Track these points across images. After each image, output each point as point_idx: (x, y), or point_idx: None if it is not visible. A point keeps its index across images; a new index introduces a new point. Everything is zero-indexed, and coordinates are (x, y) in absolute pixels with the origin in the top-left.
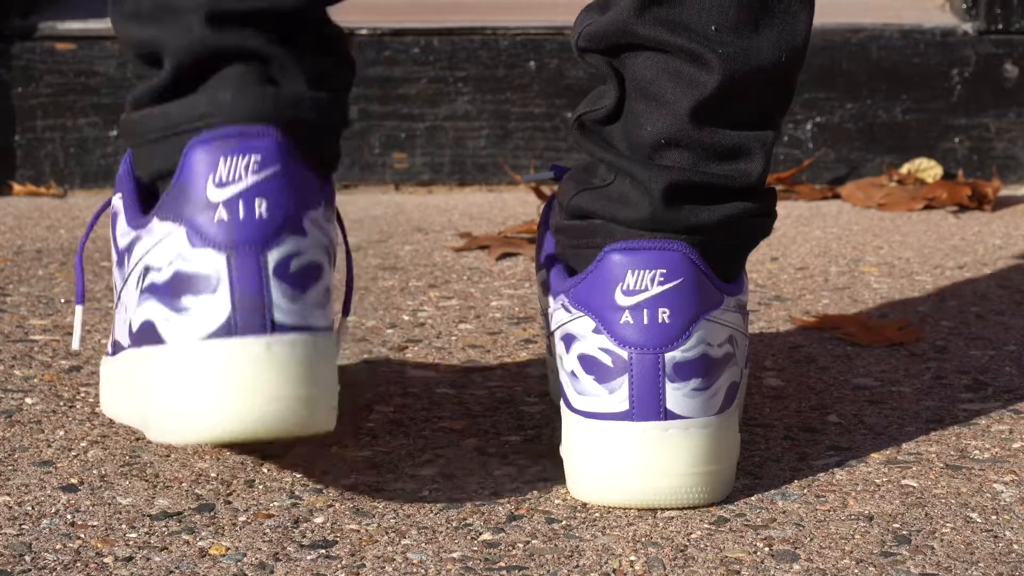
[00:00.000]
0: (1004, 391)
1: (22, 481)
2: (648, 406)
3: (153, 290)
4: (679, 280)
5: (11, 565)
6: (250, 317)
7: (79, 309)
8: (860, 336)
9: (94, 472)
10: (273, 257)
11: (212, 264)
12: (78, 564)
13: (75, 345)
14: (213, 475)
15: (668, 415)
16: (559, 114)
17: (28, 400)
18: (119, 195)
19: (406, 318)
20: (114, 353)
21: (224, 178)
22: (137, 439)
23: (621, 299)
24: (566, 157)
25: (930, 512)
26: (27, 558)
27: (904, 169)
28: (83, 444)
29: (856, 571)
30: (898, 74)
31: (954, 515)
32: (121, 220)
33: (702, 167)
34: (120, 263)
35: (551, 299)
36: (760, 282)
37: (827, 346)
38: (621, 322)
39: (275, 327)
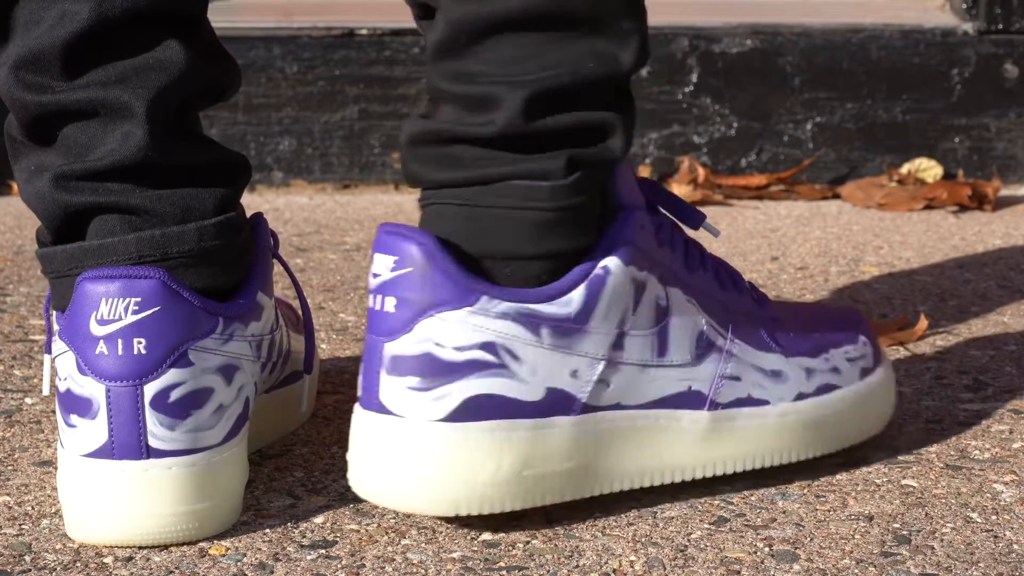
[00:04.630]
0: (1004, 391)
1: (22, 481)
2: (127, 443)
3: (58, 395)
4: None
5: (11, 565)
6: (126, 444)
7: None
8: None
9: None
10: (151, 390)
11: (94, 392)
12: (78, 564)
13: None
14: None
15: (150, 452)
16: None
17: (28, 400)
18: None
19: None
20: None
21: (105, 316)
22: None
23: (96, 329)
24: None
25: (930, 512)
26: (27, 558)
27: (904, 169)
28: None
29: (856, 571)
30: (898, 74)
31: (954, 515)
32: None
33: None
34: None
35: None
36: (760, 282)
37: None
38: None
39: (151, 452)
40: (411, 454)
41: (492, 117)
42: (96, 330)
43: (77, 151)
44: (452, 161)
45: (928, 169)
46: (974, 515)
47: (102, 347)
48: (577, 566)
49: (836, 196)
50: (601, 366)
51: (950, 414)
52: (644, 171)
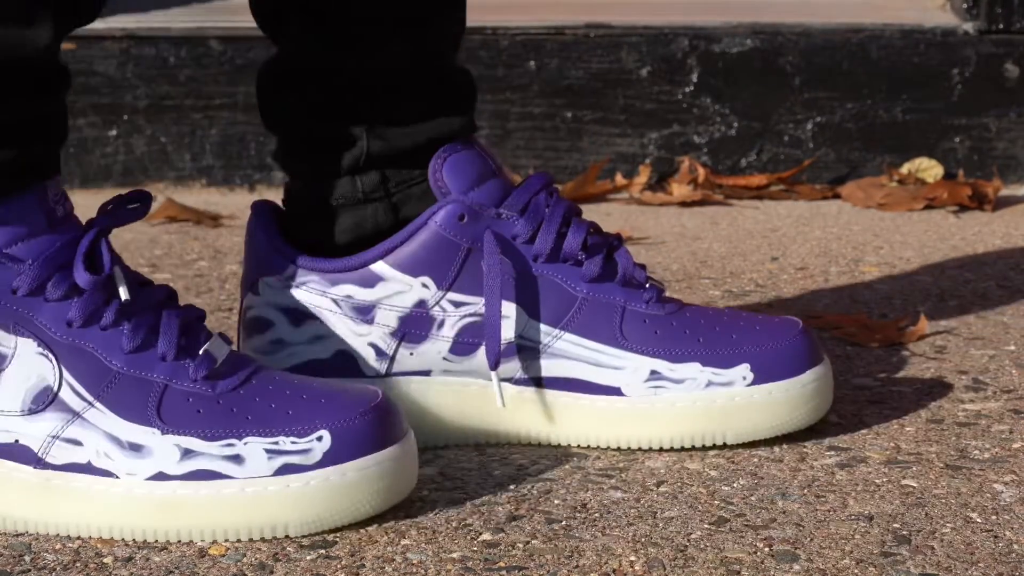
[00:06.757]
0: (1004, 391)
1: None
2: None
3: None
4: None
5: (11, 565)
6: None
7: None
8: (860, 336)
9: None
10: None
11: None
12: (78, 564)
13: None
14: None
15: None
16: (559, 114)
17: None
18: None
19: None
20: None
21: None
22: None
23: None
24: (565, 156)
25: (930, 512)
26: (27, 558)
27: (904, 169)
28: None
29: (856, 571)
30: (898, 74)
31: (954, 515)
32: None
33: None
34: None
35: None
36: (760, 282)
37: (827, 346)
38: None
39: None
40: None
41: None
42: None
43: None
44: None
45: (928, 169)
46: (974, 515)
47: None
48: (577, 566)
49: (836, 196)
50: None
51: (950, 414)
52: (644, 171)
